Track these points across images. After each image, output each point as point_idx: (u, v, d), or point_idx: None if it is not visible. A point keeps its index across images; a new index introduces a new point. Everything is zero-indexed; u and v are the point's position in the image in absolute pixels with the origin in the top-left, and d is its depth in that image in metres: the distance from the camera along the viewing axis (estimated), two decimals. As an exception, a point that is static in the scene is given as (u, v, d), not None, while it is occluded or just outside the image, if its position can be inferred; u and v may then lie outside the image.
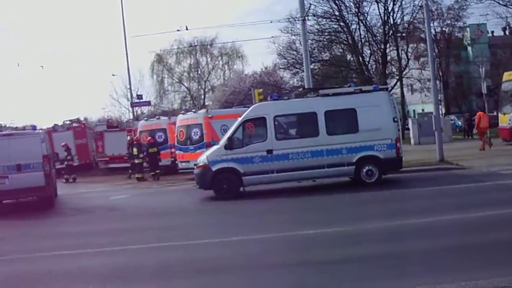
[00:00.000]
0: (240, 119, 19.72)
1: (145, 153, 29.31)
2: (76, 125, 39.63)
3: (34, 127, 23.75)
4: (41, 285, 9.66)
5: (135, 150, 29.58)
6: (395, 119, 19.68)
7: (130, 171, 31.29)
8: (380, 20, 50.90)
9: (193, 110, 32.61)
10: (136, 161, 29.48)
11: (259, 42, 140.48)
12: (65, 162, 31.66)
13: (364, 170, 19.30)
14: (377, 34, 51.30)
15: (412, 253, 9.78)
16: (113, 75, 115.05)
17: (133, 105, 54.38)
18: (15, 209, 20.82)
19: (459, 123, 50.92)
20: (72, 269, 10.77)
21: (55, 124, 40.21)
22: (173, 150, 30.61)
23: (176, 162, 28.96)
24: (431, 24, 34.59)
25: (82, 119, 45.56)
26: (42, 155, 20.16)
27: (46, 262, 11.65)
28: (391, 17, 50.59)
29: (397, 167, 19.86)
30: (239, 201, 18.64)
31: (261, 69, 61.77)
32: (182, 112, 32.27)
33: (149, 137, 30.40)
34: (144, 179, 28.85)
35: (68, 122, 40.07)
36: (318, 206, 16.47)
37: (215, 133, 25.56)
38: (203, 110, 29.56)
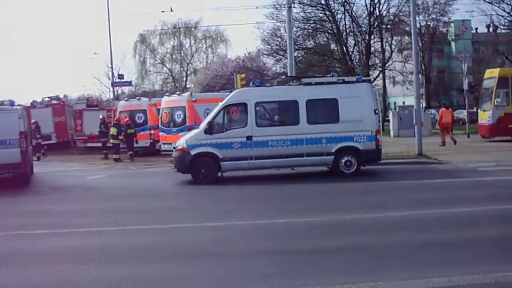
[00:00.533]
0: (221, 104, 19.61)
1: (123, 134, 29.09)
2: (55, 102, 39.22)
3: (12, 103, 23.43)
4: (13, 264, 9.52)
5: (114, 130, 29.21)
6: (376, 111, 19.71)
7: (104, 151, 31.13)
8: (366, 11, 51.02)
9: (178, 92, 32.57)
10: (113, 141, 29.17)
11: (244, 27, 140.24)
12: (34, 141, 30.75)
13: (343, 161, 19.33)
14: (362, 25, 51.37)
15: (387, 247, 9.77)
16: (95, 53, 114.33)
17: (114, 84, 54.02)
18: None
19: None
20: (46, 249, 10.70)
21: (33, 101, 39.80)
22: (152, 131, 30.67)
23: (159, 143, 29.11)
24: (416, 18, 34.59)
25: (61, 96, 45.00)
26: (19, 132, 19.94)
27: (20, 240, 11.51)
28: (377, 8, 50.74)
29: (376, 159, 19.91)
30: (216, 186, 18.59)
31: (245, 54, 61.60)
32: (167, 94, 32.18)
33: (126, 118, 30.21)
34: (121, 160, 28.67)
35: (47, 99, 39.67)
36: (295, 195, 16.47)
37: (198, 117, 25.53)
38: (187, 93, 29.49)
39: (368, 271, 8.32)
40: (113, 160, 28.67)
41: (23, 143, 19.97)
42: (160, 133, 28.24)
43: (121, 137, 28.98)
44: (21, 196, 18.65)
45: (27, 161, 20.94)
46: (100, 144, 31.85)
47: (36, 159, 29.47)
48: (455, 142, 29.21)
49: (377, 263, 8.75)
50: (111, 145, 29.47)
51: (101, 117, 32.49)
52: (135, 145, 29.90)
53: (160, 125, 28.42)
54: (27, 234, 11.99)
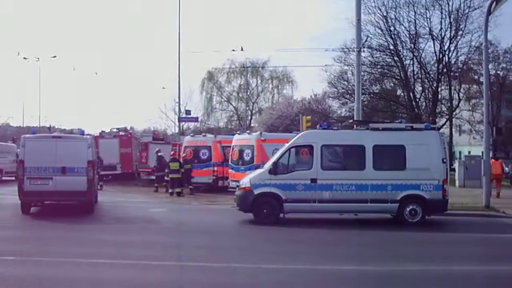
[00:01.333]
0: (287, 145, 19.58)
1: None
2: (123, 133, 40.03)
3: (82, 132, 23.99)
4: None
5: (175, 164, 29.50)
6: (444, 160, 19.24)
7: (156, 184, 31.75)
8: (435, 58, 50.60)
9: (248, 131, 32.98)
10: (172, 175, 29.35)
11: (310, 69, 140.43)
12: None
13: (408, 209, 18.92)
14: (430, 72, 50.91)
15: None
16: (163, 88, 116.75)
17: (180, 120, 54.68)
18: (55, 211, 21.05)
19: (507, 169, 49.82)
20: (106, 279, 10.78)
21: (102, 131, 40.76)
22: (215, 168, 30.90)
23: (228, 180, 29.89)
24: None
25: (128, 128, 45.93)
26: (87, 160, 20.34)
27: (83, 268, 11.67)
28: (446, 55, 50.30)
29: (442, 209, 19.39)
30: (277, 227, 18.39)
31: (310, 96, 61.75)
32: (238, 132, 32.81)
33: (184, 154, 30.89)
34: (183, 194, 28.87)
35: (115, 130, 40.55)
36: (358, 242, 16.14)
37: (266, 156, 25.63)
38: (257, 133, 29.68)
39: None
40: (176, 194, 28.82)
41: (90, 171, 20.37)
42: (230, 170, 28.61)
43: (182, 170, 29.31)
44: (84, 224, 18.93)
45: (93, 189, 21.32)
46: (153, 177, 32.37)
47: (99, 187, 30.06)
48: (498, 195, 28.52)
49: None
50: (169, 179, 29.78)
51: (156, 149, 33.08)
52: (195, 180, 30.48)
53: (230, 162, 28.96)
54: (88, 263, 12.14)
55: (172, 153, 31.40)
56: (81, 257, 12.70)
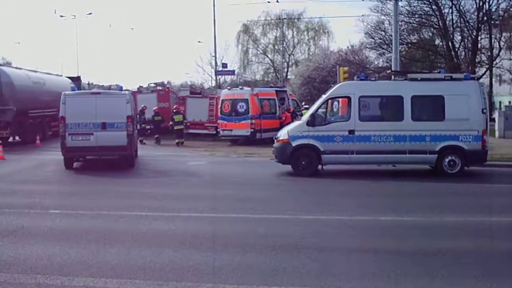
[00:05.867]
0: (324, 96, 19.54)
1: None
2: (160, 88, 40.15)
3: (120, 88, 24.29)
4: (117, 243, 9.83)
5: (179, 117, 32.70)
6: (484, 111, 18.92)
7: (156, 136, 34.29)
8: (475, 5, 49.19)
9: (332, 84, 33.64)
10: (178, 127, 32.58)
11: (347, 19, 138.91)
12: (141, 124, 32.75)
13: (447, 160, 18.80)
14: (470, 20, 49.58)
15: (492, 253, 9.42)
16: (199, 42, 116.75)
17: (217, 73, 54.69)
18: (97, 166, 21.47)
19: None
20: (148, 231, 10.94)
21: (140, 86, 41.00)
22: (253, 121, 31.08)
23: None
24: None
25: (165, 82, 46.10)
26: (126, 116, 20.61)
27: (125, 220, 11.94)
28: (486, 3, 48.78)
29: (482, 160, 19.20)
30: (315, 179, 18.54)
31: (347, 47, 60.84)
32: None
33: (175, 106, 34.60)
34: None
35: (153, 85, 40.68)
36: (396, 193, 16.18)
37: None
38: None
39: (471, 277, 8.05)
40: (178, 144, 32.03)
41: (129, 126, 20.66)
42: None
43: (186, 121, 33.33)
44: (125, 178, 19.34)
45: (133, 144, 21.65)
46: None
47: (143, 142, 30.95)
48: None
49: (479, 269, 8.40)
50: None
51: (142, 106, 34.87)
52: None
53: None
54: (130, 216, 12.39)
55: (175, 107, 34.21)
56: (123, 210, 13.02)
